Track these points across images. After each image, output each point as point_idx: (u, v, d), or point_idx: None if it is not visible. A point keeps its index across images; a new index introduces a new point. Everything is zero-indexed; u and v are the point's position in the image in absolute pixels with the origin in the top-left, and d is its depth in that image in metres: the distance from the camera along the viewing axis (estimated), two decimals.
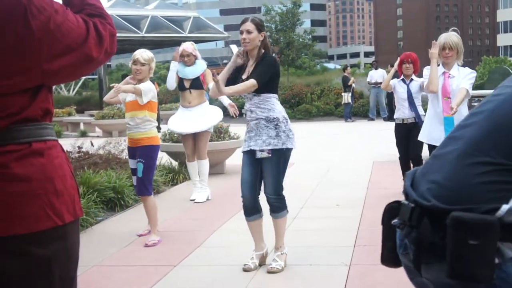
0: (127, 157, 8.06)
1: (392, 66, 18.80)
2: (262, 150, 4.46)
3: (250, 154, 4.55)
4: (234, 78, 4.61)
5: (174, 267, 4.79)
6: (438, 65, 5.72)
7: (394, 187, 7.09)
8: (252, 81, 4.42)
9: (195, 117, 7.21)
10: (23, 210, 1.68)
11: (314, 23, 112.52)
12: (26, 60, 1.65)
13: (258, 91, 4.50)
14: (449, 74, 5.53)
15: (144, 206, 5.65)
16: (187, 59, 7.12)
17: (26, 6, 1.63)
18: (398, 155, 7.35)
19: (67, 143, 8.63)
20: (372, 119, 19.39)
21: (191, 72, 7.14)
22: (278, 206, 4.58)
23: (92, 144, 8.50)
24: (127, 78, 5.77)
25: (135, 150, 5.59)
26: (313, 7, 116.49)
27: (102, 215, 6.45)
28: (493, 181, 1.58)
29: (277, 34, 35.85)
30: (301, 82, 23.45)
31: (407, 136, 7.03)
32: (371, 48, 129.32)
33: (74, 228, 1.81)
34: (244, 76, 4.58)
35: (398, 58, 7.30)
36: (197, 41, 31.51)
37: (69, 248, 1.79)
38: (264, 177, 4.53)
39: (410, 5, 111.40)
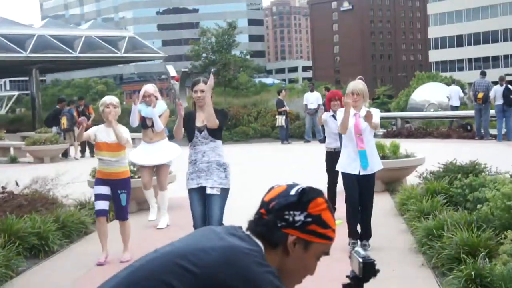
0: (60, 196, 7.91)
1: (327, 89, 19.10)
2: (212, 187, 5.21)
3: (199, 191, 5.29)
4: (188, 125, 5.39)
5: None
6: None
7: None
8: (217, 122, 5.28)
9: (156, 152, 7.87)
10: None
11: (252, 38, 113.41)
12: None
13: (215, 137, 5.31)
14: (359, 114, 6.27)
15: (121, 229, 6.46)
16: (148, 100, 7.70)
17: None
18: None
19: None
20: (308, 141, 19.58)
21: (152, 112, 7.69)
22: None
23: (17, 184, 8.20)
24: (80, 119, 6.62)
25: (114, 182, 6.33)
26: (251, 22, 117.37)
27: (24, 265, 6.19)
28: None
29: (213, 55, 35.96)
30: (238, 103, 23.43)
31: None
32: (309, 63, 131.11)
33: None
34: (198, 124, 5.33)
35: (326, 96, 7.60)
36: (133, 60, 31.25)
37: None
38: (211, 211, 5.13)
39: (346, 21, 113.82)
